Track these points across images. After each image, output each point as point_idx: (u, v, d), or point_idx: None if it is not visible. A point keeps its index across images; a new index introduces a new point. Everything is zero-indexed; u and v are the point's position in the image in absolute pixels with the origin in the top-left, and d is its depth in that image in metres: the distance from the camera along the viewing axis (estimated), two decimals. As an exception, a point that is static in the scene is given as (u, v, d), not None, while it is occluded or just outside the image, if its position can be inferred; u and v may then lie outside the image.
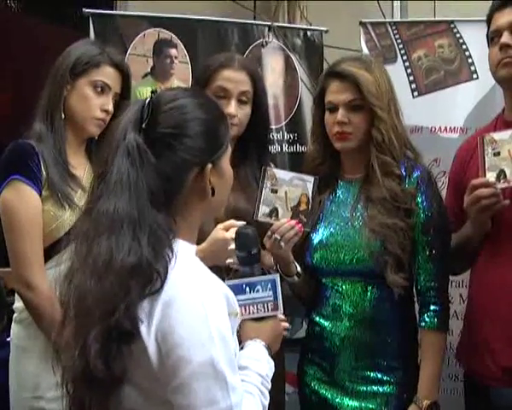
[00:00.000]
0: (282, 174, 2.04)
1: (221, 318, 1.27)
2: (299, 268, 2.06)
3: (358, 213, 2.04)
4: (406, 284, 1.97)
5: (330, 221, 2.08)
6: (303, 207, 2.00)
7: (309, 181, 2.02)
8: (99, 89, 2.08)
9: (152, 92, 1.36)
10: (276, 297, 1.57)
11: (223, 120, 1.43)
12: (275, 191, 2.00)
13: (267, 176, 2.01)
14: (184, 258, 1.30)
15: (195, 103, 1.37)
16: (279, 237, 1.94)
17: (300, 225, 1.97)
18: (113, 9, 4.03)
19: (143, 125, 1.30)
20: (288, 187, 2.01)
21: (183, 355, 1.22)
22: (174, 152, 1.31)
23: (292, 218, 1.98)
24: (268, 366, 1.45)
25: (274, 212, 2.00)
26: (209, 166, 1.35)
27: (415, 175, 2.02)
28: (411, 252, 1.99)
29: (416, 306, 2.09)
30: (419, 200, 2.00)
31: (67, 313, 1.31)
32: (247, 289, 1.56)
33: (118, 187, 1.26)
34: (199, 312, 1.23)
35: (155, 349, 1.23)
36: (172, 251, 1.27)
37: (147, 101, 1.33)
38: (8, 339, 2.25)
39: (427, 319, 2.00)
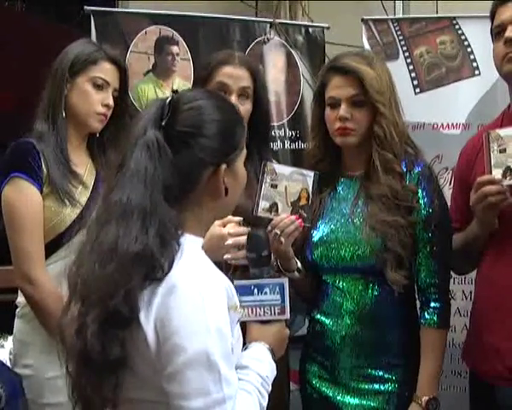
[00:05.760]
0: (282, 169, 2.02)
1: (219, 310, 1.28)
2: (299, 264, 2.05)
3: (359, 210, 2.02)
4: (406, 281, 1.95)
5: (331, 218, 2.07)
6: (303, 202, 1.99)
7: (309, 176, 2.00)
8: (98, 85, 2.11)
9: (173, 92, 1.40)
10: (283, 301, 1.56)
11: (239, 123, 1.46)
12: (275, 186, 1.99)
13: (267, 171, 1.99)
14: (189, 251, 1.32)
15: (214, 105, 1.41)
16: (279, 232, 1.93)
17: (300, 219, 1.96)
18: (114, 7, 4.02)
19: (163, 123, 1.34)
20: (288, 182, 1.99)
21: (178, 343, 1.24)
22: (190, 150, 1.35)
23: (292, 213, 1.97)
24: (269, 368, 1.45)
25: (274, 207, 1.98)
26: (223, 166, 1.38)
27: (416, 171, 2.00)
28: (412, 249, 1.97)
29: (418, 303, 2.07)
30: (420, 196, 1.98)
31: (73, 296, 1.34)
32: (255, 290, 1.56)
33: (134, 179, 1.31)
34: (197, 302, 1.26)
35: (154, 337, 1.26)
36: (179, 245, 1.30)
37: (168, 100, 1.37)
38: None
39: (427, 317, 1.98)
